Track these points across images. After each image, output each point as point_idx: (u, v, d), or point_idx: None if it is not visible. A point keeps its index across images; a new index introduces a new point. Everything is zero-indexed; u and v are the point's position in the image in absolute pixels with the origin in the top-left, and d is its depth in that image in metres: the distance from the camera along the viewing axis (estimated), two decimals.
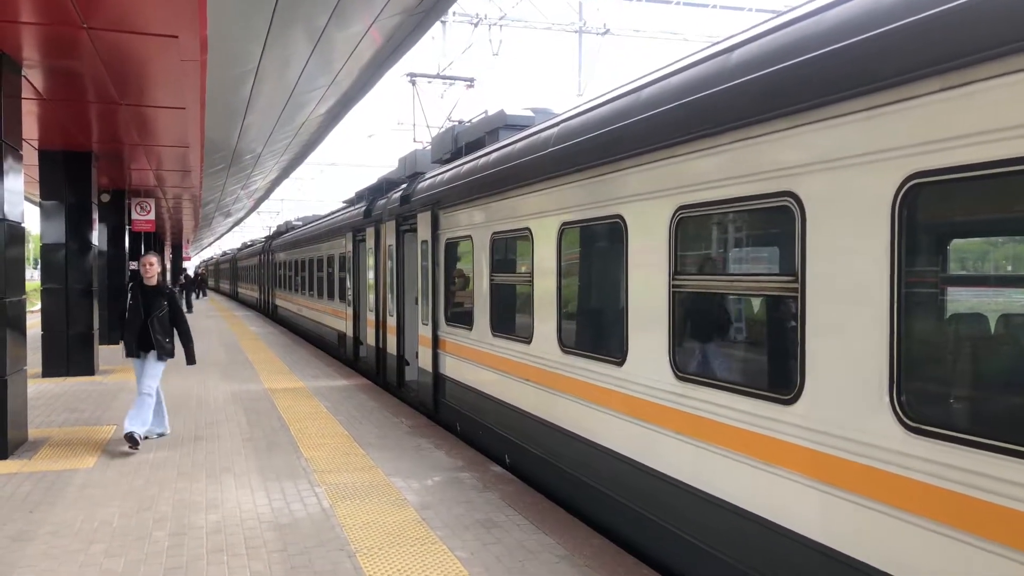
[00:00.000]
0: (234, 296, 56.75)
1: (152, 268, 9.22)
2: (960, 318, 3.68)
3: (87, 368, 14.81)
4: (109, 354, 18.03)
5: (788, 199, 4.27)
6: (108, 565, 5.44)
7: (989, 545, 3.22)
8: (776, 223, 4.59)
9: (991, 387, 3.49)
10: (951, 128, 3.35)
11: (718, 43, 5.23)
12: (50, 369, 14.53)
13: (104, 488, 7.30)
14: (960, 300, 3.71)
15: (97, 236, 15.84)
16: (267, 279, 35.94)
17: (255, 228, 71.95)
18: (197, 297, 43.27)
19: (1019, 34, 3.03)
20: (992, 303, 3.59)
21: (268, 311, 35.03)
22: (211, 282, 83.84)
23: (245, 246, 54.57)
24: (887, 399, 3.67)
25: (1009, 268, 3.50)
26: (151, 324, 9.05)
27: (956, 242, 3.79)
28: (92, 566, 5.42)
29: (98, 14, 7.41)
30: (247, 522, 6.34)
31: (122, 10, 7.35)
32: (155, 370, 9.19)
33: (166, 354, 9.24)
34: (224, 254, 76.61)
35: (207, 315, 34.94)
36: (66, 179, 14.84)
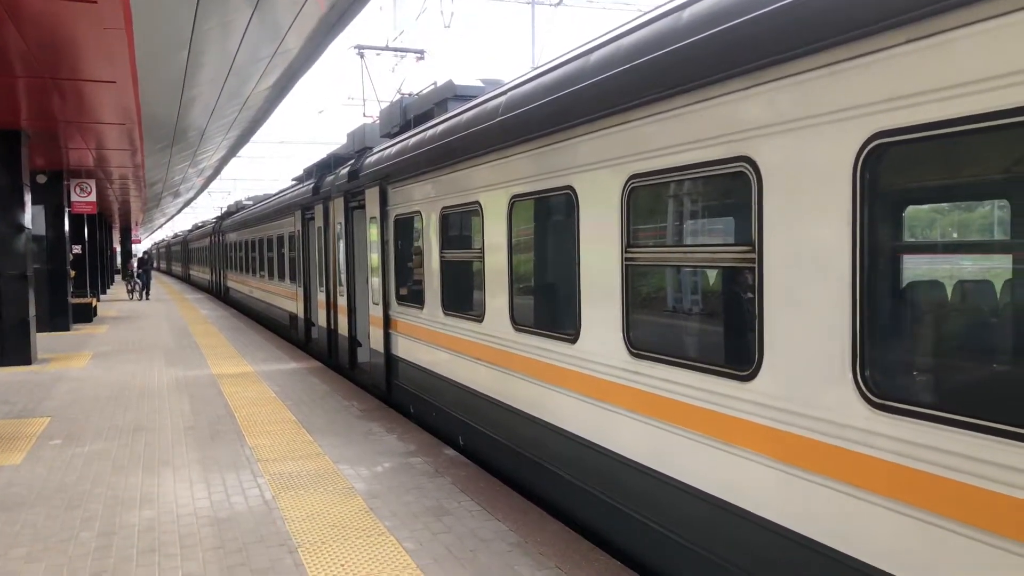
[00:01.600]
0: (186, 279, 55.51)
1: None
2: (926, 287, 3.48)
3: (22, 357, 14.18)
4: (50, 341, 17.36)
5: (744, 164, 4.03)
6: (27, 571, 5.06)
7: (958, 527, 3.03)
8: (732, 190, 4.35)
9: (959, 361, 3.30)
10: (916, 83, 3.11)
11: (670, 1, 4.94)
12: None
13: (31, 486, 6.87)
14: (927, 268, 3.50)
15: (31, 219, 15.14)
16: (218, 261, 35.09)
17: (207, 208, 70.30)
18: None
19: None
20: (960, 271, 3.39)
21: (220, 293, 34.23)
22: (163, 264, 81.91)
23: (196, 227, 53.31)
24: (849, 375, 3.46)
25: (979, 234, 3.29)
26: None
27: (922, 207, 3.57)
28: (9, 574, 5.03)
29: None
30: (183, 518, 5.99)
31: None
32: None
33: None
34: (175, 236, 74.89)
35: (157, 299, 34.02)
36: None
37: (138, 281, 33.91)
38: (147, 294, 33.99)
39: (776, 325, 3.88)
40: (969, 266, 3.46)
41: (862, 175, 3.36)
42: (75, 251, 23.81)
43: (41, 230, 19.03)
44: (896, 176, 3.44)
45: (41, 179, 19.25)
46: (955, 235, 3.44)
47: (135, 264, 36.69)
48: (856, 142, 3.37)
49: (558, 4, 24.83)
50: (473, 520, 5.84)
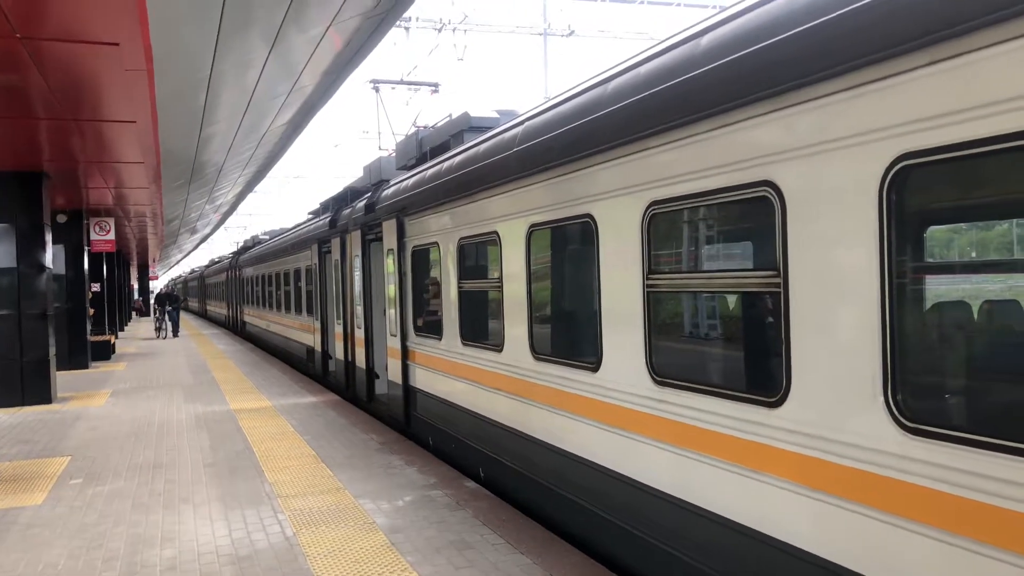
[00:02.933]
0: (203, 314, 55.85)
1: None
2: (957, 308, 3.42)
3: (43, 396, 14.23)
4: (69, 380, 17.45)
5: (767, 189, 4.00)
6: None
7: (996, 552, 2.95)
8: (755, 215, 4.32)
9: (993, 383, 3.24)
10: (942, 104, 3.09)
11: (687, 29, 4.97)
12: (4, 399, 13.94)
13: (52, 526, 6.84)
14: (956, 289, 3.45)
15: (51, 258, 15.30)
16: (234, 295, 35.28)
17: (223, 244, 70.90)
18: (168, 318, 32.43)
19: None
20: (990, 292, 3.33)
21: (237, 328, 34.37)
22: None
23: (213, 263, 53.79)
24: (881, 399, 3.40)
25: (1009, 253, 3.25)
26: None
27: (950, 227, 3.53)
28: None
29: (32, 23, 6.98)
30: (204, 556, 5.94)
31: (57, 18, 6.93)
32: None
33: None
34: (192, 272, 75.51)
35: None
36: (16, 200, 14.32)
37: (165, 319, 31.79)
38: (175, 332, 32.28)
39: (803, 350, 3.82)
40: (999, 286, 3.40)
41: (888, 197, 3.33)
42: (94, 289, 24.05)
43: (61, 269, 19.22)
44: (923, 197, 3.40)
45: (61, 219, 19.49)
46: (984, 255, 3.39)
47: (153, 301, 35.17)
48: (881, 164, 3.34)
49: (570, 35, 25.11)
50: (496, 553, 5.76)
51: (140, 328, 40.38)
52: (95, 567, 5.80)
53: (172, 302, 32.65)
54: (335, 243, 14.76)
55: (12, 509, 7.38)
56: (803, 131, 3.75)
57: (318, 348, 16.90)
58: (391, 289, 11.11)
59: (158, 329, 32.12)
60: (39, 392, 14.25)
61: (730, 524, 4.33)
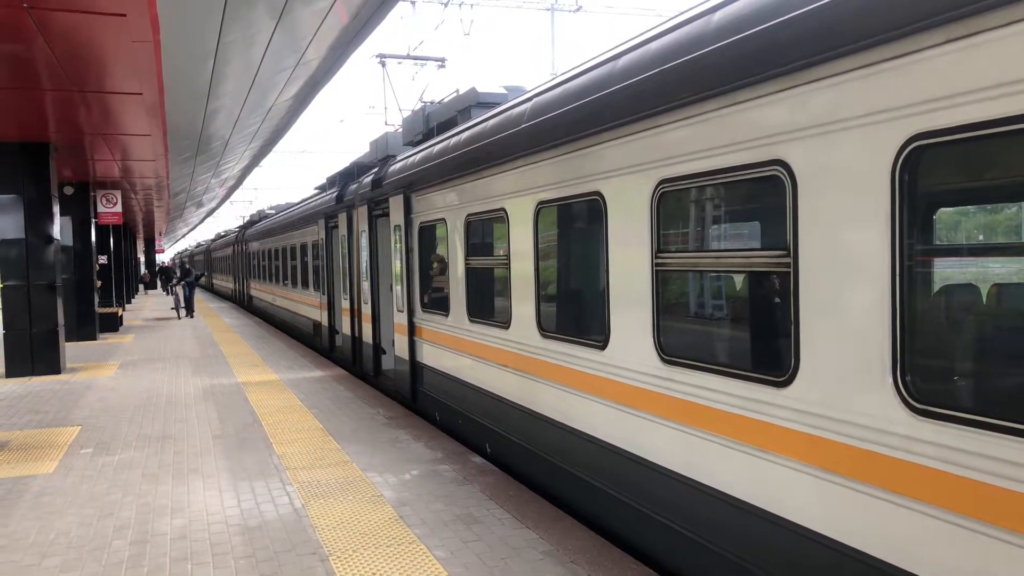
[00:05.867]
0: (209, 288, 56.02)
1: None
2: (968, 290, 3.42)
3: (53, 367, 14.35)
4: (78, 351, 17.56)
5: (778, 168, 3.99)
6: None
7: (1003, 534, 2.97)
8: (765, 194, 4.30)
9: (1002, 366, 3.24)
10: (957, 84, 3.06)
11: (699, 5, 4.92)
12: (14, 369, 14.07)
13: (63, 495, 6.93)
14: (968, 271, 3.44)
15: (59, 230, 15.34)
16: (241, 269, 35.37)
17: (229, 218, 71.07)
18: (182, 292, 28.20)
19: None
20: (1002, 274, 3.32)
21: (243, 302, 34.50)
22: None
23: (219, 236, 53.84)
24: (890, 380, 3.41)
25: (1021, 236, 3.24)
26: None
27: (963, 209, 3.52)
28: None
29: None
30: (214, 526, 6.01)
31: None
32: None
33: None
34: (198, 245, 75.65)
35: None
36: (23, 172, 14.34)
37: (176, 294, 28.24)
38: (191, 312, 28.40)
39: (812, 330, 3.83)
40: (1012, 269, 3.40)
41: (901, 177, 3.32)
42: (101, 261, 24.12)
43: (68, 241, 19.29)
44: (936, 178, 3.39)
45: (68, 191, 19.51)
46: (997, 238, 3.38)
47: (158, 275, 32.35)
48: (894, 144, 3.32)
49: (577, 11, 24.87)
50: (503, 528, 5.82)
51: (148, 301, 40.54)
52: (106, 535, 5.88)
53: (184, 276, 28.52)
54: (342, 218, 14.76)
55: (24, 478, 7.47)
56: (815, 110, 3.73)
57: (325, 323, 16.96)
58: (398, 265, 11.13)
59: (175, 308, 28.45)
60: (48, 362, 14.37)
61: (736, 503, 4.37)
